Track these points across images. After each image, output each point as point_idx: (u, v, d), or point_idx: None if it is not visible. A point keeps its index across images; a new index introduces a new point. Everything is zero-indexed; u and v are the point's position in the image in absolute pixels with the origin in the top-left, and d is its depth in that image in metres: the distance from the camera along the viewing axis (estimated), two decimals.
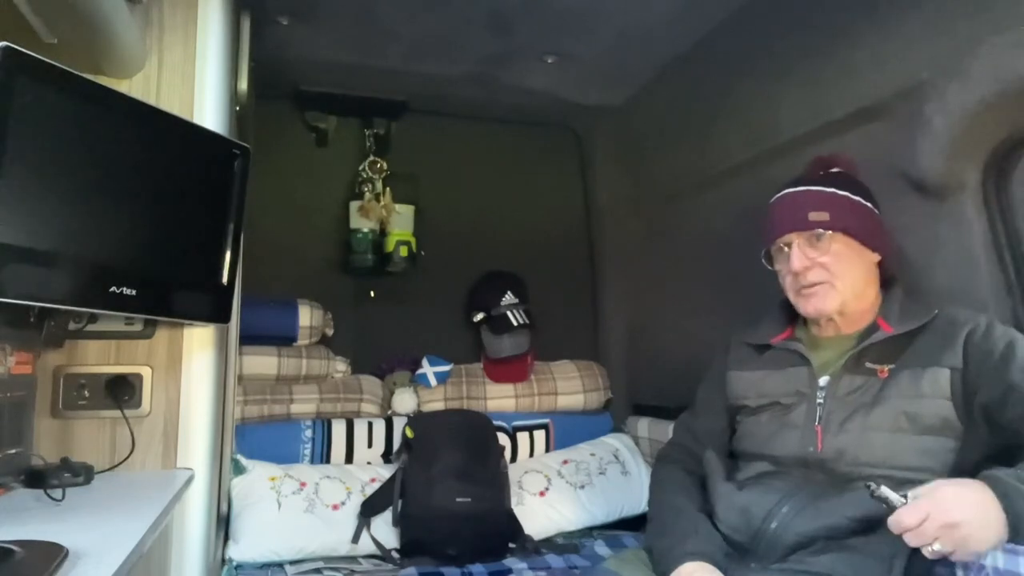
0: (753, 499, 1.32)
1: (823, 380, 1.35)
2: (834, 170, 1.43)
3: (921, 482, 1.22)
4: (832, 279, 1.34)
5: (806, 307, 1.37)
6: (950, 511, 0.98)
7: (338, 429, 2.25)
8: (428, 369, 2.47)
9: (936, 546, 0.99)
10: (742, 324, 1.57)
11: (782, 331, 1.47)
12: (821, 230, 1.34)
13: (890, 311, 1.35)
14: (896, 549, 1.22)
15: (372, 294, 2.64)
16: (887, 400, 1.26)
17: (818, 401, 1.33)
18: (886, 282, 1.42)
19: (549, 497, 2.21)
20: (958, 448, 1.23)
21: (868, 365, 1.31)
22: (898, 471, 1.23)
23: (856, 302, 1.36)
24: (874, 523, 1.23)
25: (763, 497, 1.31)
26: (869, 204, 1.38)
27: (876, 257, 1.38)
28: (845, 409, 1.29)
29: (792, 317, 1.50)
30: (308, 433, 2.22)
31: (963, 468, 1.23)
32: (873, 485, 1.07)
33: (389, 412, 2.40)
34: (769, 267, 1.45)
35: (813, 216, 1.35)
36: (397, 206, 2.55)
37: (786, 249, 1.38)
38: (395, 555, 1.96)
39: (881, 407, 1.26)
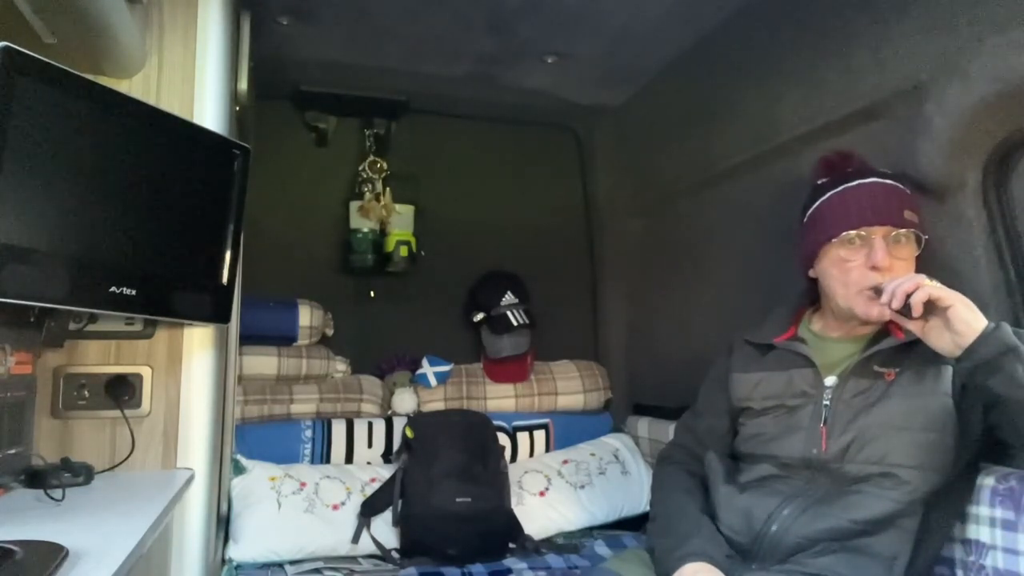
0: (754, 502, 1.32)
1: (830, 381, 1.34)
2: (886, 171, 1.38)
3: (921, 479, 1.23)
4: None
5: (870, 310, 1.28)
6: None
7: (338, 429, 2.25)
8: (428, 369, 2.47)
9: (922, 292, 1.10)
10: (745, 323, 1.57)
11: (785, 330, 1.46)
12: (907, 231, 1.29)
13: None
14: (897, 551, 1.22)
15: (372, 294, 2.64)
16: (892, 399, 1.26)
17: (824, 403, 1.32)
18: None
19: (549, 497, 2.21)
20: (959, 444, 1.23)
21: (876, 369, 1.30)
22: (901, 469, 1.23)
23: None
24: (875, 524, 1.23)
25: (764, 500, 1.31)
26: None
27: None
28: (851, 411, 1.29)
29: (795, 315, 1.49)
30: (308, 433, 2.22)
31: (963, 463, 1.24)
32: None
33: (389, 412, 2.40)
34: (821, 254, 1.36)
35: (908, 215, 1.30)
36: (397, 206, 2.55)
37: (858, 241, 1.30)
38: (395, 555, 1.96)
39: (886, 406, 1.26)
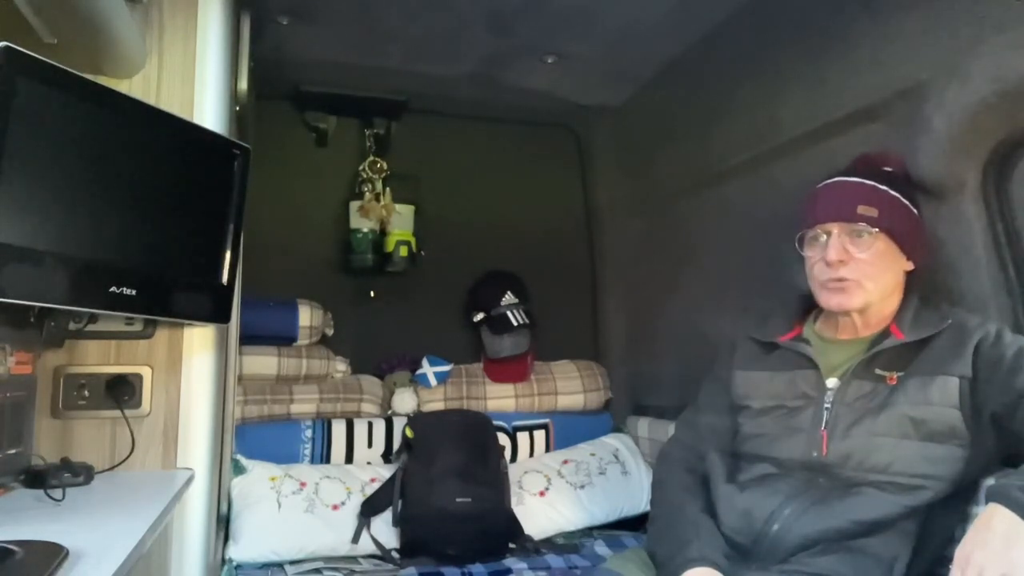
0: (755, 501, 1.32)
1: (831, 383, 1.33)
2: (887, 168, 1.39)
3: (926, 488, 1.22)
4: (863, 279, 1.30)
5: (829, 301, 1.33)
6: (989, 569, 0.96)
7: (338, 429, 2.25)
8: (428, 369, 2.47)
9: None
10: (749, 320, 1.56)
11: (790, 329, 1.45)
12: (866, 225, 1.30)
13: (903, 318, 1.33)
14: (897, 551, 1.22)
15: (372, 294, 2.64)
16: (894, 406, 1.25)
17: (825, 406, 1.31)
18: (908, 290, 1.38)
19: (549, 497, 2.21)
20: (966, 457, 1.22)
21: (878, 371, 1.29)
22: (903, 477, 1.23)
23: (879, 306, 1.34)
24: (876, 525, 1.23)
25: (765, 499, 1.31)
26: (916, 211, 1.35)
27: (909, 265, 1.35)
28: (852, 415, 1.28)
29: (801, 314, 1.49)
30: (308, 433, 2.22)
31: (970, 476, 1.23)
32: None
33: (389, 412, 2.40)
34: (799, 251, 1.40)
35: (862, 210, 1.30)
36: (397, 206, 2.55)
37: (824, 237, 1.33)
38: (395, 555, 1.96)
39: (888, 413, 1.25)
